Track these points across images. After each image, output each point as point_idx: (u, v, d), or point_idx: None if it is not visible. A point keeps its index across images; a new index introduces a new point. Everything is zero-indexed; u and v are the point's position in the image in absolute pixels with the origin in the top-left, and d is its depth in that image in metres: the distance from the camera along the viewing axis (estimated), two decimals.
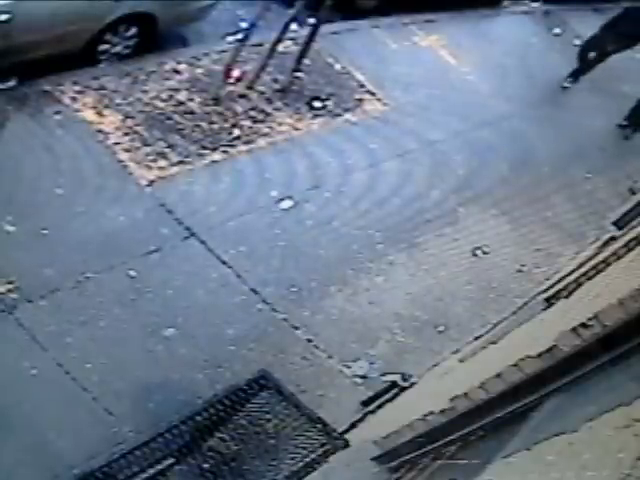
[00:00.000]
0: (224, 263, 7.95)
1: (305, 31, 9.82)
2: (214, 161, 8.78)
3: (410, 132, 10.32)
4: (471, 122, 10.89)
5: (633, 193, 7.00)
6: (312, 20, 9.68)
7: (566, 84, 12.44)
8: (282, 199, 8.76)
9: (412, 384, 7.10)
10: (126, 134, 8.56)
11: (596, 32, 12.22)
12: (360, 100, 10.38)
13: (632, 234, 5.04)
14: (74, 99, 8.61)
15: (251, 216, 8.50)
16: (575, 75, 12.50)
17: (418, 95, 10.82)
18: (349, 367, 7.72)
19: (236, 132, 9.15)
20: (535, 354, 4.31)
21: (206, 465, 6.06)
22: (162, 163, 8.49)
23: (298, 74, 10.01)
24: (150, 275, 7.57)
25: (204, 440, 6.12)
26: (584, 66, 12.48)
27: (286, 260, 8.27)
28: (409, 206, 9.39)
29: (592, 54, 12.37)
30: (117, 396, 6.70)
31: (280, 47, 9.61)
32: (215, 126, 9.09)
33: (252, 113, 9.43)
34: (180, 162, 8.58)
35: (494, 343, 5.90)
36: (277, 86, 9.85)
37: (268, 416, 6.31)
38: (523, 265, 9.28)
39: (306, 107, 9.87)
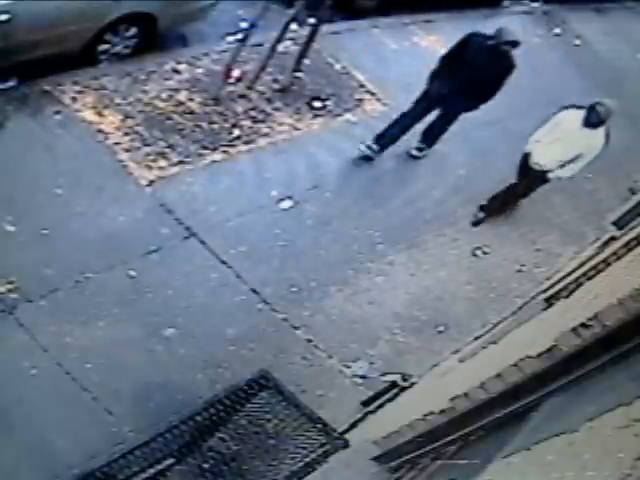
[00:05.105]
0: (224, 263, 7.95)
1: (305, 31, 9.81)
2: (214, 161, 8.78)
3: (410, 132, 10.31)
4: (471, 122, 10.88)
5: (633, 193, 7.00)
6: (312, 20, 9.67)
7: (414, 149, 9.80)
8: (282, 199, 8.76)
9: (412, 384, 7.10)
10: (126, 134, 8.56)
11: (431, 86, 9.27)
12: (360, 100, 10.37)
13: (632, 234, 5.05)
14: (74, 99, 8.61)
15: (251, 216, 8.50)
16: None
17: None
18: (349, 367, 7.72)
19: (236, 132, 9.14)
20: (535, 354, 4.32)
21: (206, 465, 6.05)
22: (162, 163, 8.49)
23: (298, 74, 10.00)
24: (150, 275, 7.57)
25: (204, 440, 6.11)
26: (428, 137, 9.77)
27: (286, 260, 8.27)
28: (409, 206, 9.39)
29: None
30: (117, 396, 6.70)
31: (280, 47, 9.60)
32: (215, 126, 9.08)
33: (252, 113, 9.43)
34: (180, 162, 8.58)
35: (494, 343, 5.91)
36: (277, 86, 9.85)
37: (268, 416, 6.30)
38: (523, 265, 9.28)
39: (306, 107, 9.87)
